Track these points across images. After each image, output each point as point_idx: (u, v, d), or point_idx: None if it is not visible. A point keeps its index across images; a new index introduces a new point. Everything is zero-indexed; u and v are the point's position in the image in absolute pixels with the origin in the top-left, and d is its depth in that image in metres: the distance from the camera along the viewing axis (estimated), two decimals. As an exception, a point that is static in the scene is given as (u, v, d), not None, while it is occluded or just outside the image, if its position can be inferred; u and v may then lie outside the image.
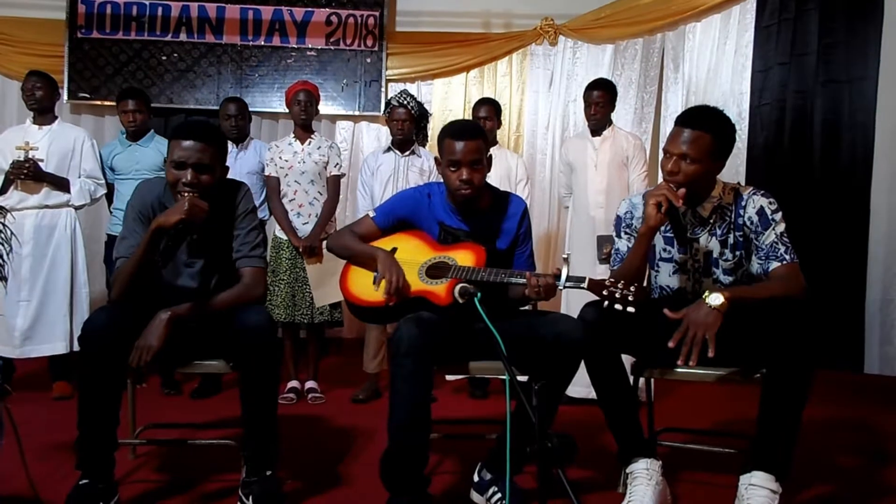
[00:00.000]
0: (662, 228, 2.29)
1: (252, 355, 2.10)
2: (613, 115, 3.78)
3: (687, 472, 2.55)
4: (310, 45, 5.11)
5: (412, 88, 5.06)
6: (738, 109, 4.72)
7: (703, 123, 2.15)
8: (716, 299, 2.04)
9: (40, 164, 3.52)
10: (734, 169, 4.61)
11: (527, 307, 2.44)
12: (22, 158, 3.49)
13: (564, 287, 2.04)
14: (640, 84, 5.00)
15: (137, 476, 2.49)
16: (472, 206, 2.32)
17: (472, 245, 2.28)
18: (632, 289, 1.99)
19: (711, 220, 2.26)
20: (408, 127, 3.71)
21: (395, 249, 2.32)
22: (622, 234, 2.39)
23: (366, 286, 2.31)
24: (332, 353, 4.75)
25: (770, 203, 2.20)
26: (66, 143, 3.65)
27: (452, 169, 2.25)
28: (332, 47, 5.12)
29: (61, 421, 2.63)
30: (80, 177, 3.66)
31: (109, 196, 3.85)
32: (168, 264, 2.25)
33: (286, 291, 3.65)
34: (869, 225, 4.43)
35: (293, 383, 3.74)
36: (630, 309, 1.98)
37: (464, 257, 2.25)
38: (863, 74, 4.45)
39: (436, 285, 2.20)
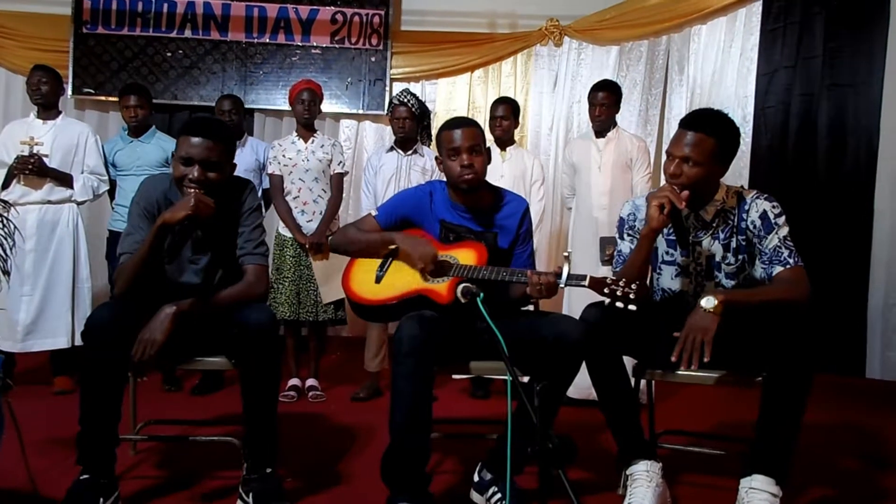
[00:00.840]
0: (665, 231, 2.29)
1: (253, 352, 2.10)
2: (618, 117, 3.77)
3: (687, 475, 2.54)
4: (315, 43, 5.11)
5: (416, 88, 5.07)
6: (742, 112, 4.72)
7: (707, 126, 2.15)
8: (709, 302, 2.05)
9: (44, 159, 3.52)
10: (738, 172, 4.61)
11: (528, 307, 2.43)
12: (26, 153, 3.49)
13: (566, 285, 2.03)
14: (644, 86, 5.00)
15: (138, 472, 2.50)
16: (474, 201, 2.33)
17: (474, 244, 2.29)
18: (633, 286, 1.98)
19: (714, 224, 2.25)
20: (409, 125, 3.71)
21: (396, 248, 2.32)
22: (625, 235, 2.39)
23: (368, 283, 2.31)
24: (332, 351, 4.76)
25: (773, 207, 2.20)
26: (70, 138, 3.65)
27: (453, 158, 2.26)
28: (336, 45, 5.12)
29: (62, 416, 2.63)
30: (83, 172, 3.67)
31: (112, 192, 3.86)
32: (173, 260, 2.25)
33: (290, 289, 3.65)
34: (872, 229, 4.43)
35: (294, 381, 3.74)
36: (632, 307, 1.97)
37: (465, 256, 2.25)
38: (868, 79, 4.46)
39: (437, 284, 2.20)
